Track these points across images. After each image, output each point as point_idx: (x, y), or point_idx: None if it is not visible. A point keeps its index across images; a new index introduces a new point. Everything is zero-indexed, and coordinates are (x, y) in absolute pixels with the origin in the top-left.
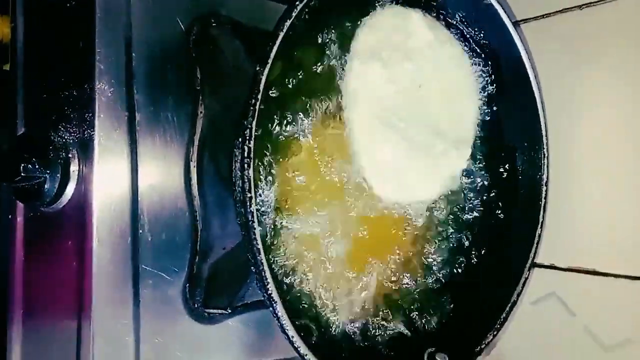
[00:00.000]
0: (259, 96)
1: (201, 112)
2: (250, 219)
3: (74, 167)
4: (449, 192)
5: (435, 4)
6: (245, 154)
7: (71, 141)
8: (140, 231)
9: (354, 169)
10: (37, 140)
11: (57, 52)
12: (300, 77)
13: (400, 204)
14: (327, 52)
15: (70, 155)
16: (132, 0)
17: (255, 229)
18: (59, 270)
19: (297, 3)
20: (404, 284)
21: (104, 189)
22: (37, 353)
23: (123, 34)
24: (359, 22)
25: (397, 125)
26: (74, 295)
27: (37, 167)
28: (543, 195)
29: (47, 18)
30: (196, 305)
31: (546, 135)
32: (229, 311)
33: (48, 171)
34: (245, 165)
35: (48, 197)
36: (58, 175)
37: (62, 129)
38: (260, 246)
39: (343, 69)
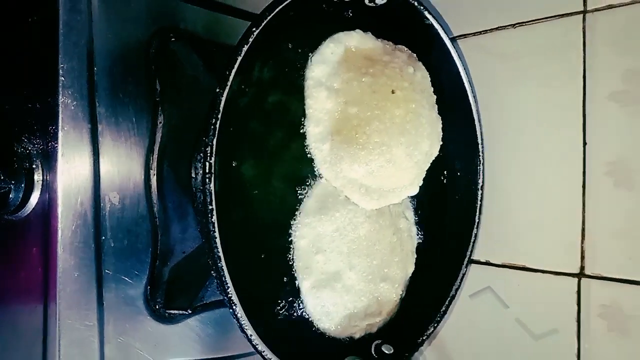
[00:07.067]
0: (219, 115)
1: (160, 122)
2: (212, 229)
3: (38, 177)
4: None
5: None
6: (207, 169)
7: (35, 152)
8: (103, 237)
9: None
10: (1, 150)
11: (21, 66)
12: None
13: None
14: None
15: (34, 166)
16: (94, 15)
17: (216, 238)
18: (25, 275)
19: (254, 30)
20: None
21: (67, 198)
22: (5, 356)
23: (85, 48)
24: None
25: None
26: (40, 300)
27: (1, 177)
28: (479, 197)
29: (9, 32)
30: (157, 307)
31: (482, 144)
32: (189, 312)
33: (12, 181)
34: (207, 180)
35: (13, 206)
36: (22, 184)
37: (25, 140)
38: (221, 254)
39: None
